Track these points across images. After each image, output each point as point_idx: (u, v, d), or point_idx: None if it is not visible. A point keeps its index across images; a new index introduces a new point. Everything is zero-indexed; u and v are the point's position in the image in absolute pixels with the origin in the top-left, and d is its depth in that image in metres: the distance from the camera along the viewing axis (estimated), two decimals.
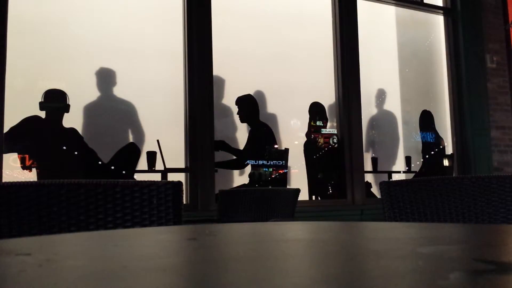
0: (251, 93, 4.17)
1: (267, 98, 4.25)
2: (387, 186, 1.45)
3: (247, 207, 2.87)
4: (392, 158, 4.87)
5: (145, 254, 0.60)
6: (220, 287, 0.40)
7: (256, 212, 2.84)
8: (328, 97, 4.45)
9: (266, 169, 4.13)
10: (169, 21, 3.86)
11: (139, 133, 3.69)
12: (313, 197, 4.31)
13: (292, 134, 4.35)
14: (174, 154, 3.66)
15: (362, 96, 4.45)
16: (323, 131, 4.40)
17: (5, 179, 3.10)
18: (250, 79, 4.18)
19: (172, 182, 1.27)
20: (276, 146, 4.23)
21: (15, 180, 3.16)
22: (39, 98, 3.35)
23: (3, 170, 3.08)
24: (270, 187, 4.06)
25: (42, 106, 3.35)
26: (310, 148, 4.38)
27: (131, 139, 3.66)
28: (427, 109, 5.01)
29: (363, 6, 4.62)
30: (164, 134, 3.69)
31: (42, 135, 3.40)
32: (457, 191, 1.46)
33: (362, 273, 0.46)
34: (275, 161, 4.18)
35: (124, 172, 3.59)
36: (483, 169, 4.77)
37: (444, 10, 5.14)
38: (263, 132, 4.21)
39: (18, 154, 3.26)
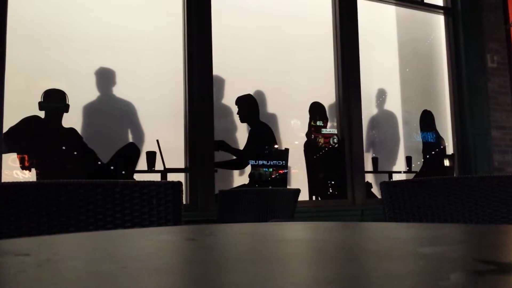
0: (251, 93, 4.17)
1: (267, 98, 4.25)
2: (388, 186, 1.45)
3: (247, 207, 2.87)
4: (393, 158, 4.87)
5: (145, 254, 0.60)
6: (220, 287, 0.40)
7: (256, 212, 2.84)
8: (328, 97, 4.45)
9: (266, 169, 4.13)
10: (169, 21, 3.87)
11: (139, 133, 3.69)
12: (313, 197, 4.31)
13: (292, 134, 4.35)
14: (174, 154, 3.66)
15: (362, 96, 4.45)
16: (323, 131, 4.40)
17: (5, 179, 3.10)
18: (250, 79, 4.18)
19: (172, 182, 1.27)
20: (276, 146, 4.23)
21: (15, 180, 3.16)
22: (39, 98, 3.35)
23: (3, 170, 3.08)
24: (270, 187, 4.06)
25: (41, 106, 3.35)
26: (310, 148, 4.38)
27: (130, 139, 3.66)
28: (428, 109, 5.01)
29: (363, 6, 4.62)
30: (164, 134, 3.68)
31: (41, 135, 3.40)
32: (457, 191, 1.46)
33: (362, 273, 0.46)
34: (275, 161, 4.18)
35: (123, 172, 3.59)
36: (483, 169, 4.76)
37: (444, 10, 5.13)
38: (263, 132, 4.20)
39: (18, 154, 3.26)
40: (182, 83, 3.76)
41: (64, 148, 3.43)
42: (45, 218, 1.18)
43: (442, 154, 5.00)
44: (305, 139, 4.37)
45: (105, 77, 3.62)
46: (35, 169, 3.30)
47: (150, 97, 3.71)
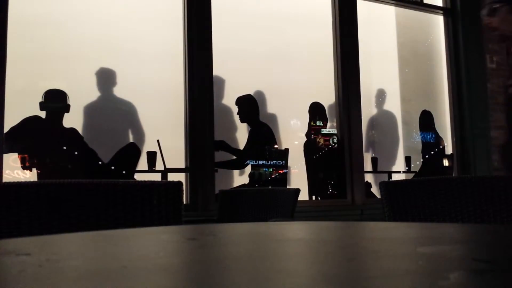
0: (251, 93, 4.17)
1: (267, 98, 4.25)
2: (387, 186, 1.45)
3: (247, 207, 2.87)
4: (392, 158, 4.87)
5: (145, 254, 0.60)
6: (220, 287, 0.40)
7: (256, 212, 2.84)
8: (328, 97, 4.45)
9: (266, 169, 4.13)
10: (169, 21, 3.87)
11: (139, 133, 3.69)
12: (313, 197, 4.31)
13: (292, 134, 4.35)
14: (174, 154, 3.66)
15: (362, 96, 4.45)
16: (323, 131, 4.40)
17: (5, 179, 3.10)
18: (250, 79, 4.18)
19: (172, 182, 1.27)
20: (276, 146, 4.23)
21: (15, 180, 3.16)
22: (39, 98, 3.35)
23: (3, 170, 3.08)
24: (270, 187, 4.06)
25: (42, 106, 3.35)
26: (310, 148, 4.38)
27: (131, 139, 3.66)
28: (427, 109, 5.01)
29: (363, 6, 4.62)
30: (164, 134, 3.69)
31: (42, 135, 3.40)
32: (456, 191, 1.46)
33: (362, 273, 0.46)
34: (275, 161, 4.18)
35: (124, 172, 3.59)
36: (483, 169, 4.76)
37: (444, 10, 5.13)
38: (263, 132, 4.21)
39: (18, 154, 3.26)
40: (182, 83, 3.76)
41: (65, 148, 3.43)
42: (45, 218, 1.18)
43: (442, 154, 5.00)
44: (305, 139, 4.37)
45: (105, 77, 3.62)
46: (36, 169, 3.30)
47: (150, 97, 3.71)
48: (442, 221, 1.43)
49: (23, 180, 3.11)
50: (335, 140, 4.41)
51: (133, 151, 3.62)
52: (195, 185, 3.62)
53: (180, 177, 3.65)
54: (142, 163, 3.60)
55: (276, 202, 2.92)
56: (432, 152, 4.96)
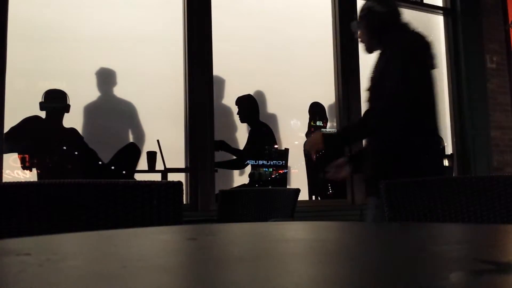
0: (251, 93, 4.17)
1: (267, 98, 4.25)
2: (387, 186, 1.45)
3: (247, 207, 2.87)
4: None
5: (145, 254, 0.60)
6: (220, 287, 0.40)
7: (256, 212, 2.84)
8: (328, 97, 4.45)
9: (266, 169, 4.13)
10: (169, 20, 3.87)
11: (139, 133, 3.69)
12: (313, 197, 4.31)
13: (292, 134, 4.35)
14: (174, 154, 3.66)
15: (362, 96, 4.45)
16: (323, 131, 4.40)
17: (5, 179, 3.10)
18: (250, 79, 4.18)
19: (172, 182, 1.27)
20: (276, 146, 4.23)
21: (16, 180, 3.16)
22: (39, 98, 3.35)
23: (3, 170, 3.08)
24: (270, 187, 4.06)
25: (42, 106, 3.35)
26: None
27: (131, 139, 3.66)
28: None
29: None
30: (164, 134, 3.68)
31: (42, 135, 3.40)
32: (457, 191, 1.46)
33: (362, 273, 0.46)
34: (275, 161, 4.18)
35: (124, 172, 3.59)
36: (483, 169, 4.76)
37: (444, 10, 5.13)
38: (263, 132, 4.20)
39: (18, 154, 3.26)
40: (182, 83, 3.76)
41: (65, 148, 3.43)
42: (45, 218, 1.18)
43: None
44: (305, 139, 4.37)
45: (105, 77, 3.62)
46: (36, 169, 3.30)
47: (150, 97, 3.71)
48: (441, 221, 1.43)
49: (23, 180, 3.11)
50: None
51: (133, 151, 3.62)
52: (195, 185, 3.62)
53: (180, 177, 3.64)
54: (142, 163, 3.60)
55: (276, 202, 2.92)
56: None
